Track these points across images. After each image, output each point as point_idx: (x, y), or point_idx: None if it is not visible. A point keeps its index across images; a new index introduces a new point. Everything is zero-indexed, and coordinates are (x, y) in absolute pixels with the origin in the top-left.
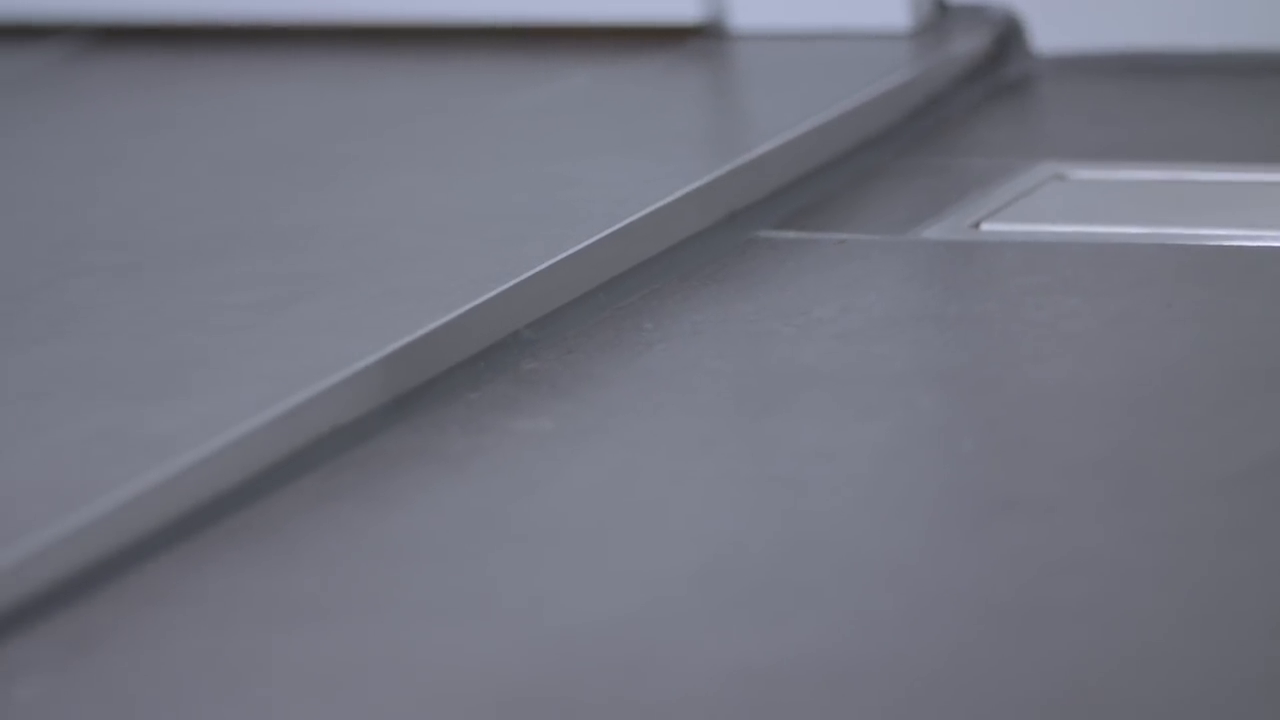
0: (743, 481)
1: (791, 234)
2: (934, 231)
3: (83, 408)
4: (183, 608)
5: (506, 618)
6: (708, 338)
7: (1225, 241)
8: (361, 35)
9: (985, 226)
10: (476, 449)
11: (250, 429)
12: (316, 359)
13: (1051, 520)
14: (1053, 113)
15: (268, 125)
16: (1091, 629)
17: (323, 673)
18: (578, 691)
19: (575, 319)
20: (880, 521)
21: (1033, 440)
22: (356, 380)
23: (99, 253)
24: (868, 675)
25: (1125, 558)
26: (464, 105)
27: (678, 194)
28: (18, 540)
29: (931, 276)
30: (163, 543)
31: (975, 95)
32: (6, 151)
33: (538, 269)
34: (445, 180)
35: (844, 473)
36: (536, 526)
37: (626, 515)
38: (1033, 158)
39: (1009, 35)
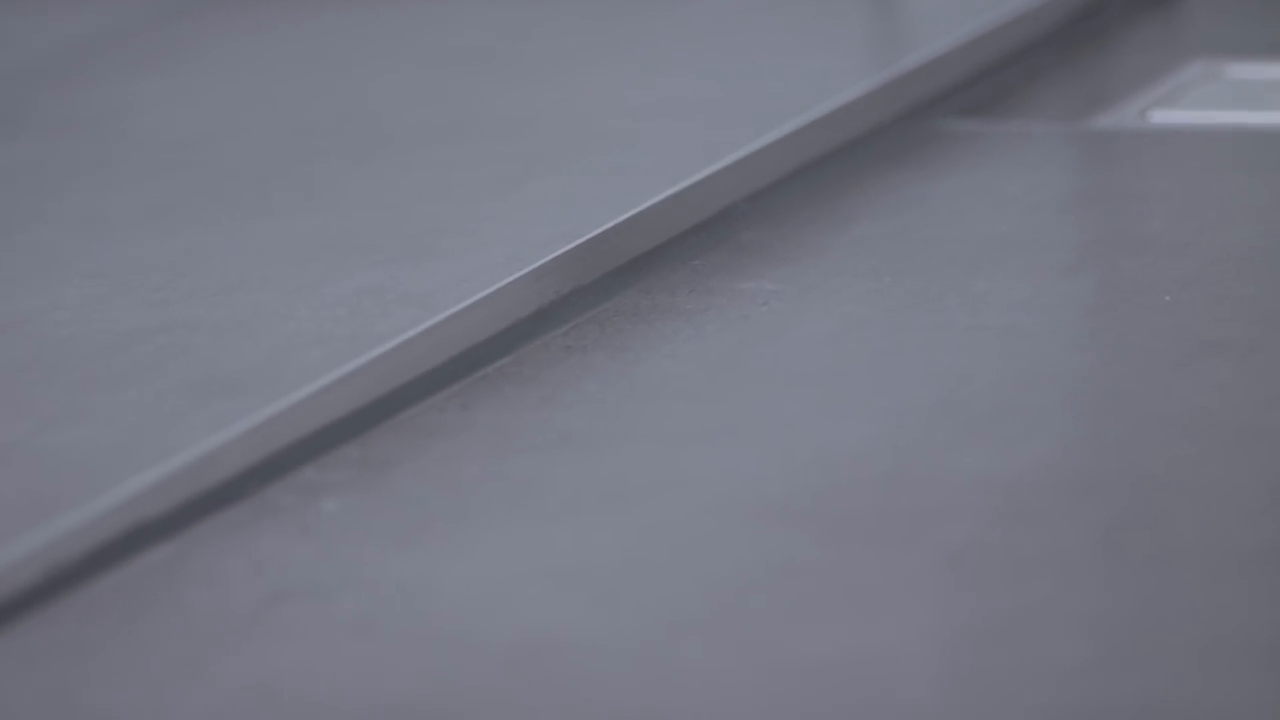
0: (962, 330)
1: (973, 124)
2: (1105, 120)
3: (345, 270)
4: (457, 439)
5: (763, 443)
6: (909, 212)
7: None
8: None
9: (1152, 116)
10: (707, 306)
11: (502, 287)
12: (553, 227)
13: (1255, 359)
14: (1206, 14)
15: (464, 32)
16: None
17: (598, 492)
18: (838, 504)
19: (783, 196)
20: (1094, 360)
21: (1228, 295)
22: (592, 245)
23: (335, 139)
24: (1099, 484)
25: None
26: (653, 11)
27: (868, 87)
28: (307, 382)
29: (1109, 159)
30: (430, 386)
31: None
32: (237, 56)
33: (748, 150)
34: (644, 76)
35: (1054, 321)
36: (775, 370)
37: (858, 359)
38: (1190, 55)
39: None
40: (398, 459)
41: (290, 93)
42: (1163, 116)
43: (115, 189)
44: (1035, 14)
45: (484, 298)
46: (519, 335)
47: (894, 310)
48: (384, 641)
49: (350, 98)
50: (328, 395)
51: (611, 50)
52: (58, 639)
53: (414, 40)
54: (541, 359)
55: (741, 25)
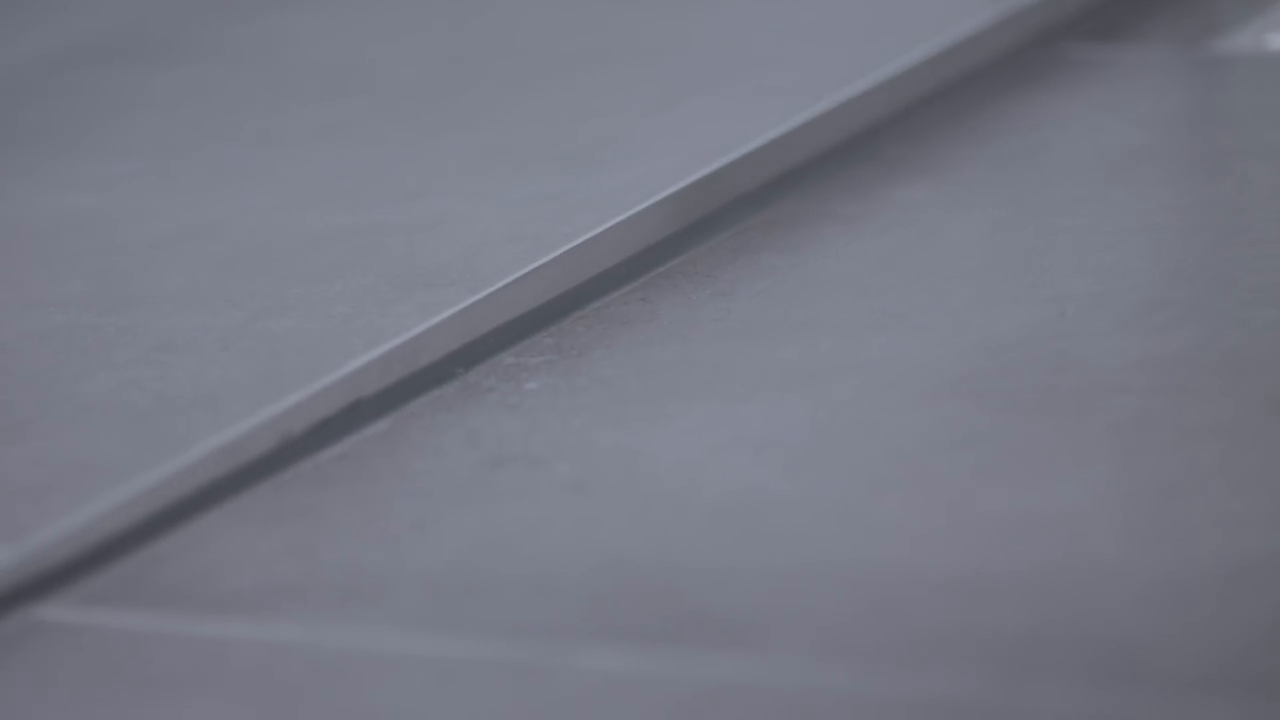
0: (1108, 231)
1: (1095, 49)
2: (1223, 44)
3: (522, 178)
4: (644, 328)
5: (931, 330)
6: (1044, 129)
7: None
8: None
9: (1269, 39)
10: (864, 212)
11: (674, 192)
12: (713, 139)
13: None
14: None
15: None
16: None
17: (781, 373)
18: (1009, 382)
19: (924, 116)
20: (1237, 256)
21: None
22: (753, 157)
23: (492, 65)
24: (1254, 364)
25: None
26: None
27: (999, 15)
28: (502, 275)
29: (1230, 79)
30: (613, 282)
31: None
32: None
33: (889, 72)
34: (780, 7)
35: (1195, 222)
36: (935, 266)
37: (1012, 257)
38: None
39: None
40: (590, 345)
41: (443, 24)
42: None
43: (285, 111)
44: None
45: (658, 201)
46: (691, 238)
47: (1041, 215)
48: (599, 501)
49: (502, 28)
50: (522, 287)
51: None
52: (293, 502)
53: None
54: (714, 259)
55: None
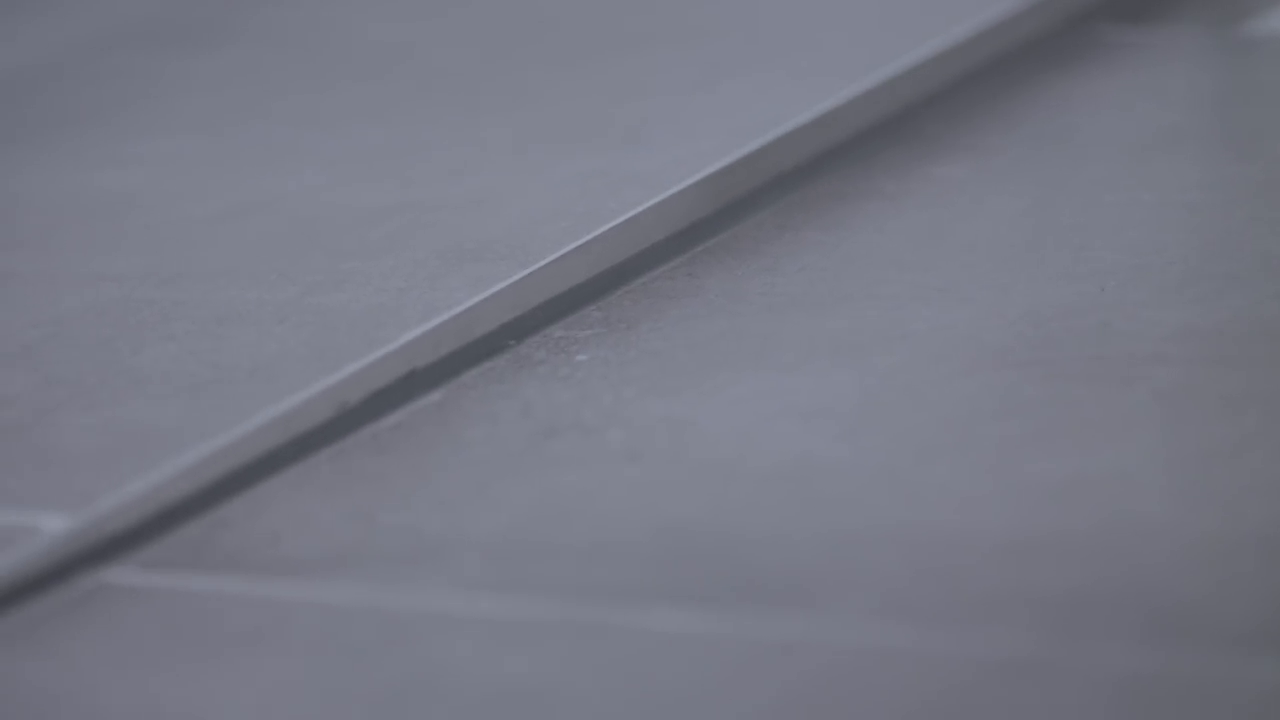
0: (1146, 206)
1: (1127, 32)
2: (1253, 26)
3: (567, 155)
4: (691, 302)
5: (975, 303)
6: (1080, 108)
7: None
8: None
9: None
10: (905, 190)
11: (716, 170)
12: (753, 120)
13: None
14: None
15: None
16: None
17: (829, 345)
18: (1053, 352)
19: (960, 96)
20: (1276, 230)
21: None
22: (794, 136)
23: (533, 47)
24: None
25: None
26: None
27: (1029, 1)
28: (550, 250)
29: (1261, 60)
30: (659, 257)
31: None
32: None
33: (925, 54)
34: None
35: (1231, 198)
36: (976, 241)
37: (1052, 232)
38: None
39: None
40: (638, 319)
41: (485, 6)
42: None
43: (331, 91)
44: None
45: (702, 179)
46: (734, 215)
47: (1080, 191)
48: (653, 469)
49: (543, 11)
50: (570, 261)
51: None
52: (351, 469)
53: None
54: (758, 235)
55: None
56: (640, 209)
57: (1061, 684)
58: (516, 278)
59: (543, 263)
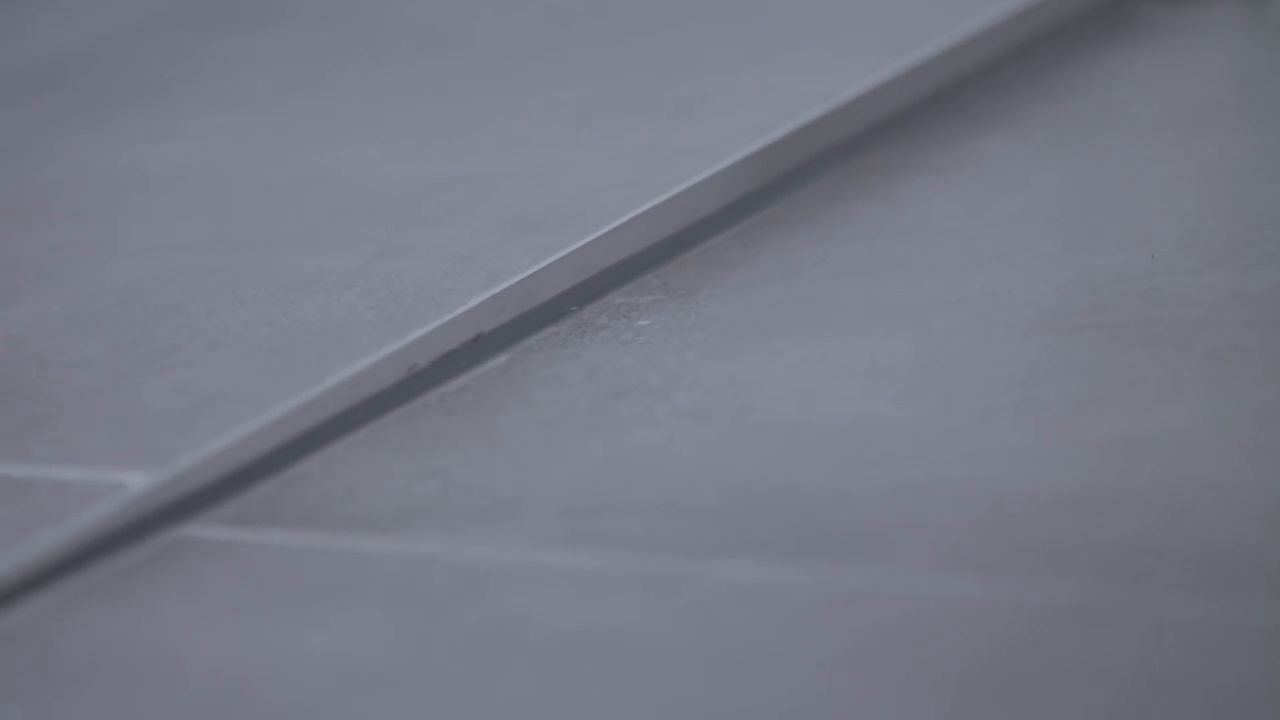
0: (1192, 178)
1: (1168, 8)
2: None
3: (622, 129)
4: (748, 270)
5: (1028, 270)
6: (1125, 82)
7: None
8: None
9: None
10: (954, 162)
11: (768, 143)
12: (803, 94)
13: None
14: None
15: None
16: None
17: (886, 310)
18: (1106, 316)
19: (1005, 73)
20: None
21: None
22: (844, 110)
23: (584, 23)
24: None
25: None
26: None
27: None
28: (610, 219)
29: None
30: (714, 227)
31: None
32: None
33: (971, 31)
34: None
35: (1276, 169)
36: (1026, 211)
37: (1101, 202)
38: None
39: None
40: (696, 286)
41: None
42: None
43: (384, 67)
44: None
45: (755, 151)
46: (786, 187)
47: (1124, 164)
48: (718, 427)
49: None
50: (629, 230)
51: None
52: (422, 429)
53: None
54: (811, 206)
55: None
56: (695, 180)
57: (1127, 629)
58: (577, 245)
59: (602, 231)
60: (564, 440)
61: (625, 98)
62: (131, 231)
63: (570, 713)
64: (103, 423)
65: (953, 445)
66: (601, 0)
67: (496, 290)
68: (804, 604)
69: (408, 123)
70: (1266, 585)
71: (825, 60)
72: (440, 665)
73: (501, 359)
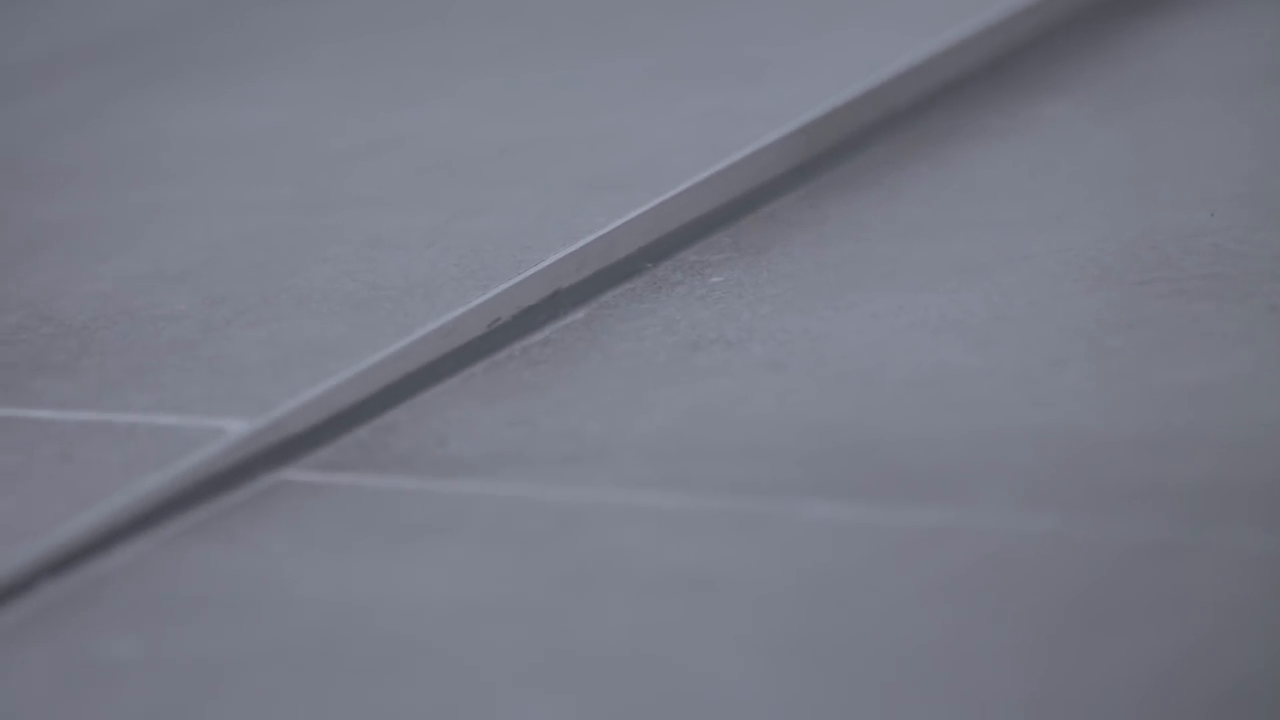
0: (1247, 140)
1: None
2: None
3: (689, 94)
4: (816, 230)
5: (1090, 227)
6: (1178, 49)
7: None
8: None
9: None
10: (1013, 127)
11: (831, 107)
12: (864, 61)
13: None
14: None
15: None
16: None
17: (953, 266)
18: (1170, 271)
19: (1059, 41)
20: None
21: None
22: (904, 77)
23: None
24: None
25: None
26: None
27: None
28: (682, 179)
29: None
30: (781, 188)
31: None
32: None
33: (1027, 1)
34: None
35: None
36: (1086, 172)
37: (1159, 163)
38: None
39: None
40: (765, 245)
41: None
42: None
43: (453, 38)
44: None
45: (819, 116)
46: (849, 150)
47: (1181, 127)
48: (796, 377)
49: None
50: (700, 190)
51: None
52: (508, 380)
53: None
54: (874, 169)
55: None
56: (762, 143)
57: (1202, 563)
58: (651, 205)
59: (674, 191)
60: (646, 389)
61: (690, 65)
62: (213, 193)
63: (670, 643)
64: (198, 372)
65: (1027, 391)
66: None
67: (574, 248)
68: (889, 541)
69: (477, 89)
70: None
71: (883, 29)
72: (540, 600)
73: (580, 313)
